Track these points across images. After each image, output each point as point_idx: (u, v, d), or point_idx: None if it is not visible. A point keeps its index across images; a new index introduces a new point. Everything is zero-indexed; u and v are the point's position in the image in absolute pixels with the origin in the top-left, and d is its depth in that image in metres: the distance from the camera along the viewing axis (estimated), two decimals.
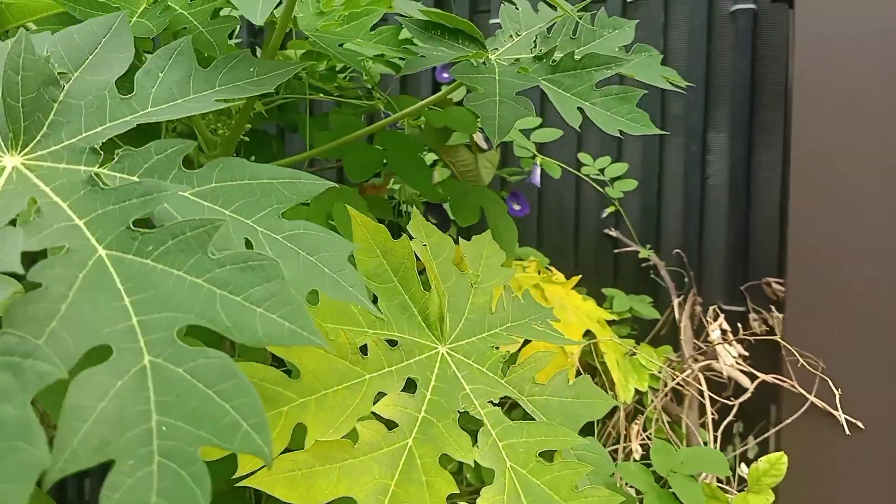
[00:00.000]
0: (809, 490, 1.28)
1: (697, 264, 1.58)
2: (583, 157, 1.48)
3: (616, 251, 1.62)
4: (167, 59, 0.53)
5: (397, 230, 1.17)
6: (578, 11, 1.00)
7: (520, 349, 1.08)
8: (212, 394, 0.40)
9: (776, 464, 0.97)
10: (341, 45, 0.92)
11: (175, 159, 0.49)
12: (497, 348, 0.72)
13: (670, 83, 0.96)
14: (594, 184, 1.45)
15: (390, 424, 0.61)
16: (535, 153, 1.30)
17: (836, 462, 1.27)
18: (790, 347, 1.30)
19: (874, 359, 1.24)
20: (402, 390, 0.64)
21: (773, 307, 1.52)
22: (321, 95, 1.15)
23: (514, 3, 1.02)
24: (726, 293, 1.57)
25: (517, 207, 1.41)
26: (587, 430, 0.83)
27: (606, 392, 1.25)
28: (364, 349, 0.64)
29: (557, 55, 0.91)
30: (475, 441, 0.64)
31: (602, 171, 1.46)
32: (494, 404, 0.66)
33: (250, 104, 0.82)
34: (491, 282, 0.76)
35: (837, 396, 1.21)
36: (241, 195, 0.50)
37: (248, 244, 0.48)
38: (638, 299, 1.50)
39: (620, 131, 0.88)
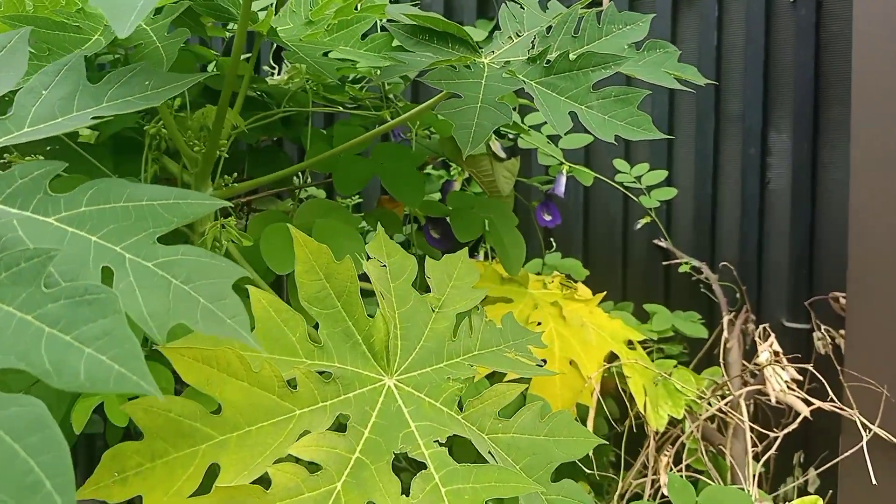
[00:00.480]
0: None
1: (757, 277, 1.45)
2: (619, 163, 1.38)
3: (665, 263, 1.50)
4: (54, 74, 0.50)
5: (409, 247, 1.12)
6: (585, 7, 0.92)
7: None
8: (18, 447, 0.36)
9: None
10: (326, 54, 0.88)
11: (41, 182, 0.45)
12: (461, 379, 0.65)
13: (681, 82, 0.87)
14: (628, 192, 1.35)
15: (315, 467, 0.56)
16: (562, 161, 1.22)
17: None
18: (850, 372, 1.17)
19: None
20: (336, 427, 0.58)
21: (840, 324, 1.38)
22: (333, 108, 1.11)
23: (518, 2, 0.96)
24: (790, 309, 1.43)
25: (548, 218, 1.33)
26: (568, 471, 0.75)
27: (633, 419, 1.16)
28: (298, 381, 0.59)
29: (552, 56, 0.83)
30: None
31: (639, 178, 1.36)
32: (441, 444, 0.60)
33: (221, 119, 0.79)
34: (456, 305, 0.70)
35: None
36: (113, 219, 0.45)
37: (108, 274, 0.44)
38: (685, 316, 1.39)
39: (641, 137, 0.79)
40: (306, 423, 0.58)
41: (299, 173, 1.21)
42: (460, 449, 0.66)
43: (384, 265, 0.69)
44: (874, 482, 1.06)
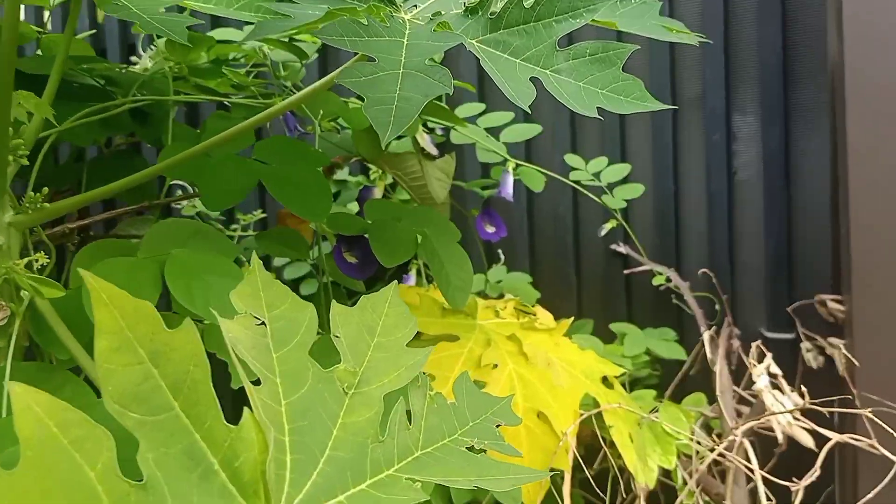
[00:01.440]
0: None
1: (731, 284, 1.25)
2: (571, 158, 1.16)
3: (627, 272, 1.29)
4: None
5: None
6: None
7: None
8: None
9: None
10: (170, 8, 0.62)
11: None
12: None
13: (675, 34, 0.64)
14: (587, 192, 1.12)
15: None
16: (507, 157, 0.98)
17: None
18: (865, 395, 0.97)
19: None
20: None
21: (829, 331, 1.19)
22: (206, 97, 0.84)
23: None
24: (769, 318, 1.24)
25: (491, 230, 1.09)
26: None
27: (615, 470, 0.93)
28: None
29: (498, 5, 0.59)
30: None
31: (598, 175, 1.13)
32: None
33: (4, 109, 0.51)
34: (384, 379, 0.44)
35: None
36: None
37: None
38: (657, 334, 1.17)
39: (603, 114, 0.56)
40: None
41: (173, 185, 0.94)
42: None
43: (261, 323, 0.43)
44: None
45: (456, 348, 0.83)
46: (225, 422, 0.37)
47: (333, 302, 0.46)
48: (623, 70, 0.60)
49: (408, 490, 0.40)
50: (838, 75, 1.09)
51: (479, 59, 0.57)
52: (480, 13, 0.59)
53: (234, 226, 1.18)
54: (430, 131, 1.04)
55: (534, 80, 0.56)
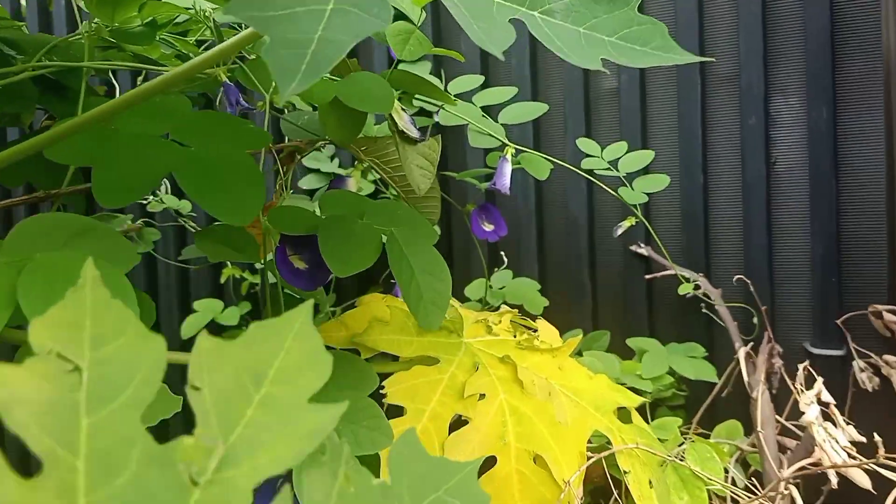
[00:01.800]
0: None
1: (769, 291, 1.08)
2: (584, 143, 0.99)
3: (648, 277, 1.12)
4: None
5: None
6: None
7: None
8: None
9: None
10: None
11: None
12: None
13: None
14: (601, 184, 0.96)
15: None
16: (505, 142, 0.83)
17: None
18: None
19: None
20: None
21: (885, 348, 1.02)
22: (132, 65, 0.70)
23: None
24: (815, 331, 1.07)
25: (489, 228, 0.94)
26: None
27: None
28: None
29: None
30: None
31: (615, 163, 0.97)
32: None
33: None
34: (265, 456, 0.29)
35: None
36: None
37: None
38: (683, 351, 1.01)
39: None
40: None
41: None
42: None
43: (75, 369, 0.28)
44: None
45: (435, 374, 0.67)
46: None
47: (201, 335, 0.31)
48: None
49: None
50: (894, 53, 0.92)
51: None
52: None
53: (183, 219, 1.04)
54: (425, 113, 0.89)
55: (514, 22, 0.41)
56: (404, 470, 0.34)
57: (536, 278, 1.17)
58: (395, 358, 0.70)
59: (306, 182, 1.29)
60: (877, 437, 0.78)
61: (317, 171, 1.31)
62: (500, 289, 1.14)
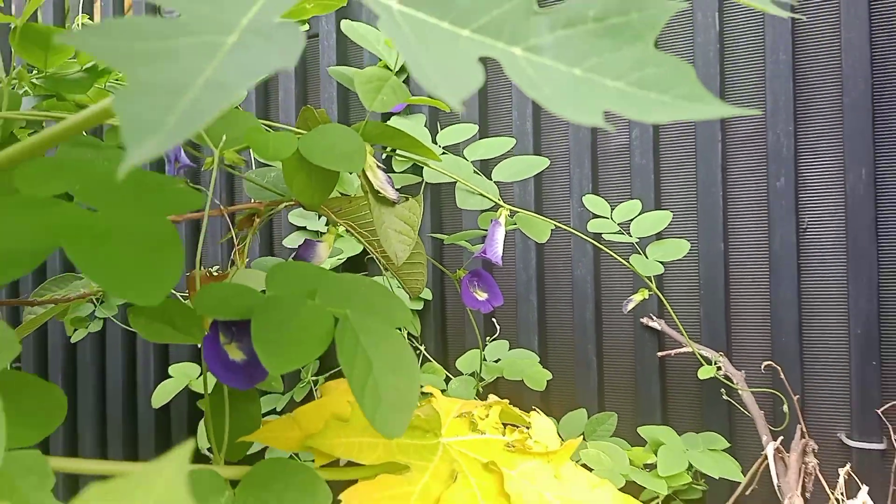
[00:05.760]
0: None
1: (800, 375, 0.95)
2: (591, 201, 0.88)
3: (661, 355, 1.00)
4: None
5: None
6: None
7: None
8: None
9: None
10: None
11: None
12: None
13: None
14: (609, 251, 0.84)
15: None
16: (499, 203, 0.72)
17: None
18: None
19: None
20: None
21: None
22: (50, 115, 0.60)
23: None
24: (853, 421, 0.94)
25: (482, 297, 0.83)
26: None
27: None
28: None
29: None
30: None
31: (626, 226, 0.86)
32: None
33: None
34: None
35: None
36: None
37: None
38: (702, 442, 0.88)
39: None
40: None
41: None
42: None
43: None
44: None
45: (404, 485, 0.55)
46: None
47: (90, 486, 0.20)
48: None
49: None
50: None
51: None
52: None
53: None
54: (420, 169, 0.79)
55: (484, 61, 0.30)
56: None
57: (536, 351, 1.05)
58: (357, 463, 0.58)
59: (291, 241, 1.19)
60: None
61: (303, 228, 1.21)
62: (496, 361, 1.02)
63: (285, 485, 0.51)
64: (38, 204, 0.44)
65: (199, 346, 1.26)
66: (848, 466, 0.77)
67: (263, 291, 0.53)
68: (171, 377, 1.22)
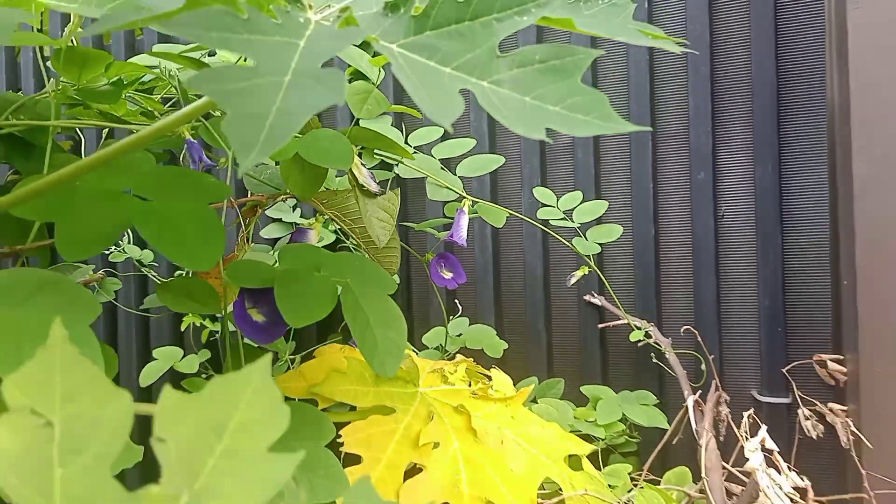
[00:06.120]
0: None
1: (718, 341, 1.12)
2: (540, 192, 1.03)
3: (601, 326, 1.15)
4: None
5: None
6: None
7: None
8: None
9: None
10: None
11: None
12: None
13: (653, 38, 0.52)
14: (555, 234, 0.99)
15: None
16: (462, 194, 0.86)
17: None
18: (873, 475, 0.84)
19: None
20: None
21: (829, 395, 1.06)
22: (96, 123, 0.71)
23: None
24: (762, 379, 1.10)
25: (448, 275, 0.96)
26: None
27: None
28: None
29: (425, 1, 0.47)
30: None
31: (569, 213, 1.01)
32: None
33: None
34: (229, 502, 0.31)
35: None
36: None
37: None
38: (635, 398, 1.03)
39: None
40: None
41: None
42: None
43: (48, 423, 0.29)
44: None
45: (390, 423, 0.69)
46: None
47: (165, 389, 0.32)
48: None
49: None
50: (842, 119, 0.97)
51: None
52: (402, 10, 0.47)
53: (145, 268, 1.05)
54: (388, 165, 0.92)
55: (464, 92, 0.44)
56: None
57: (493, 326, 1.19)
58: (353, 408, 0.71)
59: (268, 231, 1.30)
60: (807, 482, 0.81)
61: (279, 220, 1.33)
62: (458, 335, 1.16)
63: (300, 420, 0.64)
64: (106, 196, 0.56)
65: (182, 330, 1.36)
66: (752, 410, 0.93)
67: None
68: (155, 359, 1.32)
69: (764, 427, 0.87)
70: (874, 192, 0.83)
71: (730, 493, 0.89)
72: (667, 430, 1.02)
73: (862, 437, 0.88)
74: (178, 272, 1.31)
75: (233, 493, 0.31)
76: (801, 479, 0.84)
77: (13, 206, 0.52)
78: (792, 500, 0.83)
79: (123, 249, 1.15)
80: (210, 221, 0.54)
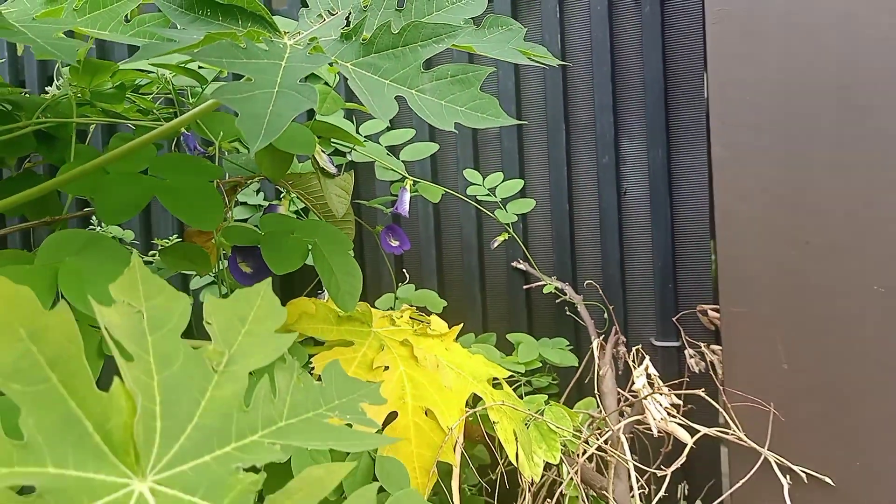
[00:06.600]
0: None
1: (622, 294, 1.34)
2: (469, 174, 1.23)
3: (526, 287, 1.36)
4: None
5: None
6: None
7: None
8: None
9: None
10: (67, 34, 0.67)
11: None
12: (254, 469, 0.45)
13: (534, 60, 0.72)
14: (480, 207, 1.20)
15: None
16: (405, 175, 1.05)
17: None
18: (731, 391, 1.06)
19: (837, 395, 1.01)
20: None
21: (711, 339, 1.29)
22: (108, 119, 0.88)
23: None
24: (658, 327, 1.33)
25: (395, 243, 1.15)
26: None
27: (504, 469, 0.99)
28: None
29: (369, 31, 0.66)
30: None
31: (493, 190, 1.21)
32: None
33: None
34: (251, 359, 0.50)
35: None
36: None
37: None
38: (552, 344, 1.25)
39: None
40: None
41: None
42: None
43: (139, 311, 0.48)
44: None
45: (350, 353, 0.88)
46: (98, 390, 0.41)
47: (208, 294, 0.51)
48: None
49: (269, 452, 0.45)
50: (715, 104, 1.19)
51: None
52: (354, 38, 0.66)
53: (151, 252, 1.21)
54: (338, 152, 1.10)
55: (399, 98, 0.63)
56: (332, 379, 0.55)
57: (436, 290, 1.39)
58: (320, 343, 0.90)
59: (237, 213, 1.48)
60: (677, 400, 1.03)
61: (244, 203, 1.50)
62: (405, 298, 1.35)
63: None
64: (131, 176, 0.73)
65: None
66: (639, 346, 1.15)
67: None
68: None
69: (647, 357, 1.09)
70: (728, 170, 1.05)
71: (623, 413, 1.10)
72: (577, 367, 1.23)
73: (719, 361, 1.10)
74: (151, 251, 1.47)
75: (254, 355, 0.50)
76: (678, 398, 1.06)
77: (63, 186, 0.70)
78: (669, 413, 1.05)
79: (106, 230, 1.30)
80: (211, 193, 0.72)
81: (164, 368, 0.46)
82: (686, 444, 0.97)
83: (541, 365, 1.19)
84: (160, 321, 0.48)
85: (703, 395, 0.98)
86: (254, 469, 0.44)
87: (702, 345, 1.28)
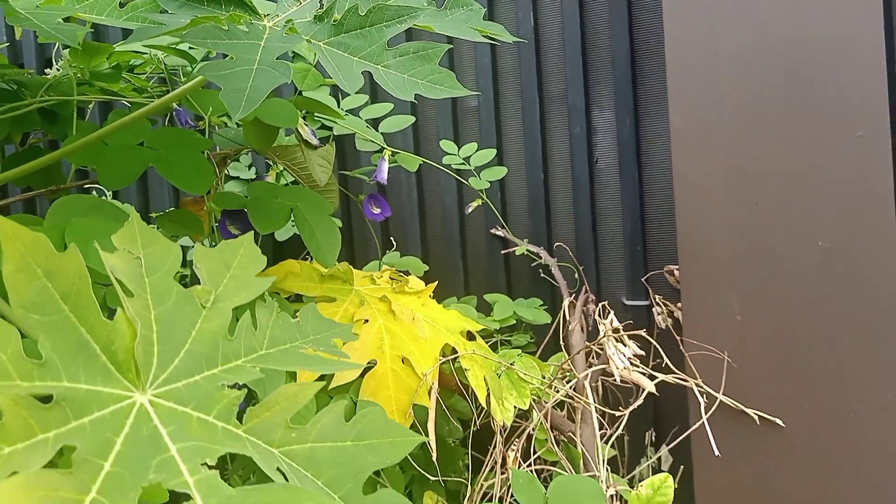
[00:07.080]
0: (730, 495, 1.12)
1: (595, 257, 1.42)
2: (446, 144, 1.31)
3: (504, 252, 1.45)
4: None
5: None
6: None
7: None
8: None
9: (661, 487, 0.80)
10: (68, 20, 0.74)
11: None
12: (236, 387, 0.53)
13: (490, 38, 0.80)
14: (457, 175, 1.28)
15: None
16: (383, 146, 1.13)
17: (755, 461, 1.11)
18: (689, 341, 1.14)
19: (786, 344, 1.09)
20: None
21: (677, 297, 1.37)
22: (105, 97, 0.96)
23: None
24: (629, 287, 1.41)
25: (376, 210, 1.23)
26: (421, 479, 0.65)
27: (479, 416, 1.08)
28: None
29: (339, 14, 0.74)
30: None
31: (467, 159, 1.29)
32: (211, 467, 0.48)
33: None
34: (235, 298, 0.58)
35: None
36: None
37: None
38: (527, 303, 1.33)
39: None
40: (21, 462, 0.44)
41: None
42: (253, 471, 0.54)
43: (137, 257, 0.56)
44: (717, 453, 1.04)
45: (332, 308, 0.96)
46: (104, 318, 0.50)
47: (197, 244, 0.59)
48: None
49: (250, 374, 0.54)
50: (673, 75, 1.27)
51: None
52: (326, 20, 0.73)
53: (149, 225, 1.29)
54: (321, 126, 1.18)
55: (366, 72, 0.71)
56: (308, 319, 0.63)
57: (420, 257, 1.47)
58: (300, 298, 0.98)
59: (230, 187, 1.55)
60: (640, 351, 1.11)
61: (237, 178, 1.58)
62: (390, 264, 1.43)
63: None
64: (129, 148, 0.81)
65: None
66: (606, 303, 1.23)
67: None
68: None
69: (612, 312, 1.17)
70: (684, 139, 1.12)
71: (590, 365, 1.19)
72: (553, 326, 1.32)
73: (678, 315, 1.19)
74: (148, 224, 1.55)
75: (238, 294, 0.58)
76: (640, 348, 1.15)
77: (68, 156, 0.78)
78: (632, 363, 1.13)
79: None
80: (202, 162, 0.80)
81: (159, 304, 0.54)
82: (646, 389, 1.05)
83: (515, 322, 1.28)
84: (156, 265, 0.57)
85: (651, 339, 1.07)
86: (237, 386, 0.53)
87: (669, 303, 1.37)
